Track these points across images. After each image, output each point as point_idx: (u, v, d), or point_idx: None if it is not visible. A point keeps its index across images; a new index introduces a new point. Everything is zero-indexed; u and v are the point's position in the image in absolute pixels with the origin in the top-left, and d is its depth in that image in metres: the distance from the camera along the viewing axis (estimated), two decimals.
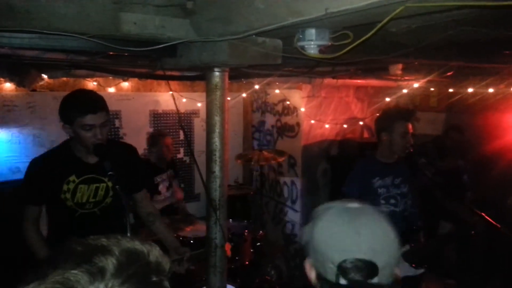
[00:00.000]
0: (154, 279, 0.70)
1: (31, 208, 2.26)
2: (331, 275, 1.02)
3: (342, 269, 1.00)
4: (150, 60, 2.74)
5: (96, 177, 2.31)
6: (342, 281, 1.00)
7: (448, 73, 3.41)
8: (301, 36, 1.56)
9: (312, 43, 1.54)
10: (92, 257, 0.67)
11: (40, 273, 0.66)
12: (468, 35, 1.92)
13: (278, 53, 1.83)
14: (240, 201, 4.66)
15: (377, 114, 4.76)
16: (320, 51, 1.60)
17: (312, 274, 1.12)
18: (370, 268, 0.99)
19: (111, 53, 2.02)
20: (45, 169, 2.23)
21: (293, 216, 4.73)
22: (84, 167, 2.28)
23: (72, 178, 2.26)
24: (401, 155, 2.96)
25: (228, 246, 2.14)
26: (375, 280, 0.98)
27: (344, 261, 1.00)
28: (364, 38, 1.56)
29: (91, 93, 2.31)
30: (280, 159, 4.29)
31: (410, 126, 2.88)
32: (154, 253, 0.74)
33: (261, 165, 4.34)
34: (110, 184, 2.33)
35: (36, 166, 2.26)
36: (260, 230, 4.15)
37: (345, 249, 1.02)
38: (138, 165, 2.59)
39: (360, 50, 2.29)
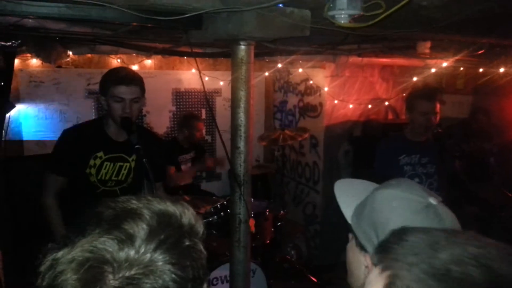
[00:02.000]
0: (188, 243, 0.67)
1: (54, 178, 2.29)
2: None
3: None
4: (175, 34, 2.72)
5: (122, 156, 2.36)
6: None
7: (479, 52, 3.28)
8: (331, 5, 1.52)
9: (343, 12, 1.50)
10: (122, 222, 0.65)
11: (69, 240, 0.65)
12: (503, 8, 1.83)
13: (306, 24, 1.79)
14: (261, 181, 4.66)
15: (403, 94, 4.68)
16: (351, 22, 1.55)
17: (371, 269, 0.92)
18: None
19: (135, 24, 2.00)
20: (75, 141, 2.28)
21: (314, 197, 4.71)
22: (113, 145, 2.33)
23: (100, 154, 2.30)
24: (427, 135, 2.91)
25: (252, 222, 2.14)
26: None
27: None
28: (396, 7, 1.50)
29: (130, 70, 2.37)
30: (304, 136, 4.24)
31: (432, 105, 2.82)
32: (188, 215, 0.71)
33: (284, 145, 4.32)
34: (133, 165, 2.38)
35: (67, 137, 2.31)
36: (281, 209, 4.14)
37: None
38: (162, 157, 2.61)
39: (389, 25, 2.23)
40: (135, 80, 2.22)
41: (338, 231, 3.94)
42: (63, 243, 0.65)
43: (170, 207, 0.70)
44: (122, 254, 0.61)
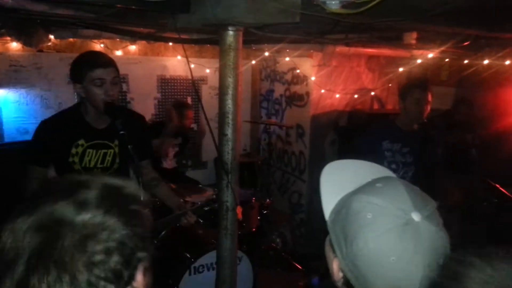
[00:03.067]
0: (133, 207, 0.76)
1: (36, 169, 2.25)
2: None
3: None
4: (161, 19, 2.66)
5: (104, 143, 2.31)
6: None
7: (464, 43, 3.31)
8: None
9: None
10: (77, 190, 0.73)
11: (28, 208, 0.70)
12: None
13: (297, 10, 1.76)
14: (247, 169, 4.65)
15: (390, 85, 4.71)
16: (342, 8, 1.53)
17: (338, 276, 0.95)
18: None
19: (120, 6, 1.94)
20: (54, 130, 2.22)
21: (300, 186, 4.73)
22: (93, 132, 2.28)
23: (81, 142, 2.25)
24: (418, 123, 3.00)
25: (239, 209, 2.13)
26: None
27: None
28: None
29: (100, 52, 2.29)
30: (288, 125, 4.26)
31: (425, 94, 2.90)
32: (130, 186, 0.80)
33: (269, 132, 4.32)
34: (117, 150, 2.34)
35: (45, 127, 2.24)
36: (267, 198, 4.15)
37: (403, 284, 0.86)
38: (146, 133, 2.59)
39: (378, 14, 2.22)
40: (111, 60, 2.16)
41: (323, 220, 3.96)
42: (23, 210, 0.70)
43: (116, 181, 0.79)
44: (78, 218, 0.68)
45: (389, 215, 0.86)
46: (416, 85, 2.93)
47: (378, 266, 0.84)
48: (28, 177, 2.23)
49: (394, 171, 2.96)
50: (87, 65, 2.07)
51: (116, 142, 2.33)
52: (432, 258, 0.84)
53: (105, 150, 2.32)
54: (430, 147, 3.10)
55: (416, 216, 0.85)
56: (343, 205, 0.94)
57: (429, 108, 2.94)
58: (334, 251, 0.93)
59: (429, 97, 2.93)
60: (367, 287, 0.87)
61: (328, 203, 1.01)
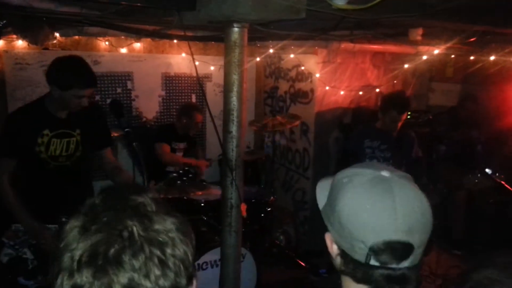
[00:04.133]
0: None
1: (6, 161, 2.37)
2: (359, 255, 0.91)
3: (374, 251, 0.88)
4: (166, 16, 2.66)
5: (67, 132, 2.46)
6: (372, 262, 0.90)
7: (471, 39, 3.29)
8: None
9: None
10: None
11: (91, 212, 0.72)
12: None
13: (302, 6, 1.76)
14: (251, 167, 4.65)
15: (395, 81, 4.70)
16: (348, 3, 1.53)
17: (333, 250, 1.00)
18: (406, 249, 0.89)
19: (125, 3, 1.94)
20: (21, 123, 2.35)
21: (304, 183, 4.72)
22: (56, 122, 2.41)
23: (46, 132, 2.38)
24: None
25: (243, 207, 2.14)
26: (408, 261, 0.89)
27: (378, 242, 0.88)
28: None
29: (86, 64, 2.37)
30: (295, 124, 4.25)
31: (400, 116, 3.36)
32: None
33: (275, 132, 4.32)
34: (79, 138, 2.50)
35: (13, 119, 2.40)
36: (271, 195, 4.15)
37: (380, 229, 0.89)
38: (103, 121, 2.73)
39: (384, 10, 2.21)
40: (95, 79, 2.34)
41: None
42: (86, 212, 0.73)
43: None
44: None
45: (362, 174, 0.97)
46: (395, 107, 3.36)
47: (358, 216, 0.92)
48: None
49: None
50: (76, 83, 2.22)
51: (78, 131, 2.49)
52: (407, 211, 0.90)
53: (68, 139, 2.46)
54: (404, 145, 3.55)
55: (386, 173, 0.96)
56: (330, 186, 1.04)
57: (401, 123, 3.41)
58: (327, 229, 1.01)
59: (405, 116, 3.41)
60: (353, 245, 0.92)
61: (321, 201, 1.08)
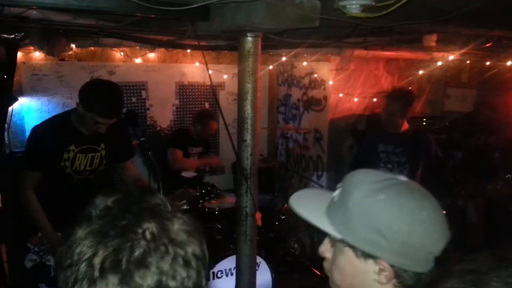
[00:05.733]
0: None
1: (32, 174, 2.40)
2: (423, 266, 0.88)
3: (439, 257, 0.88)
4: (180, 27, 2.69)
5: (92, 147, 2.48)
6: (430, 268, 0.89)
7: (487, 45, 3.25)
8: None
9: (354, 2, 1.47)
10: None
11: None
12: None
13: (316, 15, 1.76)
14: (264, 174, 4.65)
15: (410, 88, 4.65)
16: (362, 12, 1.52)
17: (385, 275, 0.90)
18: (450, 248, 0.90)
19: (141, 14, 1.97)
20: (47, 137, 2.37)
21: None
22: (82, 138, 2.44)
23: (72, 147, 2.41)
24: (401, 128, 3.34)
25: (258, 215, 2.13)
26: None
27: (442, 248, 0.88)
28: None
29: (117, 95, 2.38)
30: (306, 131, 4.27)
31: (395, 107, 3.26)
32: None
33: (287, 137, 4.31)
34: (104, 153, 2.51)
35: (38, 134, 2.40)
36: (285, 203, 4.13)
37: (440, 233, 0.89)
38: (127, 135, 2.74)
39: (398, 17, 2.20)
40: (120, 111, 2.37)
41: None
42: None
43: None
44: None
45: (375, 175, 0.94)
46: (387, 98, 3.31)
47: (421, 228, 0.86)
48: (24, 184, 2.38)
49: (390, 170, 3.27)
50: (96, 109, 2.24)
51: (103, 145, 2.51)
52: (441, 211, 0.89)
53: (93, 154, 2.49)
54: (421, 149, 3.39)
55: (402, 178, 0.93)
56: (345, 210, 0.93)
57: (403, 121, 3.31)
58: (368, 256, 0.90)
59: (404, 110, 3.26)
60: (419, 259, 0.88)
61: (323, 223, 0.98)
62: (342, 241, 0.93)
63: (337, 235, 0.94)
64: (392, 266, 0.89)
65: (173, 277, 0.65)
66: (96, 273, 0.62)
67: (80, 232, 0.67)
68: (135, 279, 0.62)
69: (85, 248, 0.65)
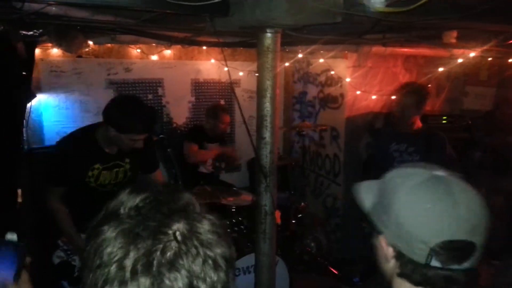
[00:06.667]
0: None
1: (56, 190, 2.41)
2: (419, 256, 0.89)
3: (436, 251, 0.86)
4: (197, 23, 2.67)
5: (117, 163, 2.49)
6: (433, 263, 0.88)
7: (510, 41, 3.16)
8: None
9: None
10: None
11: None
12: None
13: (338, 9, 1.72)
14: (280, 172, 4.61)
15: (429, 85, 4.57)
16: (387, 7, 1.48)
17: (388, 252, 0.96)
18: (468, 249, 0.86)
19: (159, 10, 1.95)
20: (71, 156, 2.36)
21: (335, 189, 4.65)
22: (108, 157, 2.44)
23: (97, 166, 2.41)
24: (413, 126, 3.30)
25: (278, 213, 2.11)
26: (469, 262, 0.87)
27: (440, 242, 0.86)
28: None
29: (145, 107, 2.38)
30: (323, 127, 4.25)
31: (407, 102, 3.22)
32: None
33: (303, 135, 4.28)
34: (128, 166, 2.52)
35: (63, 151, 2.39)
36: (302, 202, 4.10)
37: (442, 228, 0.87)
38: (153, 149, 2.71)
39: (421, 12, 2.14)
40: (154, 123, 2.34)
41: (359, 224, 3.88)
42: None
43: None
44: None
45: (416, 174, 0.95)
46: (406, 93, 3.23)
47: (418, 216, 0.89)
48: (50, 195, 2.39)
49: None
50: (135, 129, 2.22)
51: (127, 160, 2.50)
52: (470, 210, 0.88)
53: (117, 169, 2.49)
54: (434, 148, 3.30)
55: (440, 173, 0.94)
56: (378, 187, 1.02)
57: (415, 117, 3.26)
58: (378, 231, 0.98)
59: (419, 107, 3.23)
60: (412, 246, 0.90)
61: (365, 202, 1.06)
62: (368, 216, 1.02)
63: (365, 207, 1.04)
64: (392, 246, 0.95)
65: (204, 280, 0.63)
66: (127, 275, 0.61)
67: (110, 232, 0.65)
68: (166, 282, 0.61)
69: (116, 249, 0.63)
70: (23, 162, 3.31)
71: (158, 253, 0.62)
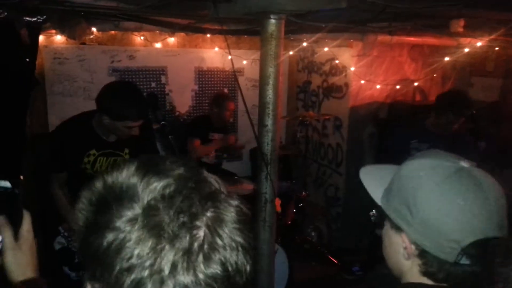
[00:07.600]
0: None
1: (57, 176, 2.43)
2: (448, 254, 0.84)
3: (468, 250, 0.82)
4: (200, 10, 2.65)
5: (114, 152, 2.46)
6: (463, 261, 0.83)
7: None
8: None
9: None
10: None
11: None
12: None
13: None
14: (282, 162, 4.62)
15: (434, 75, 4.52)
16: None
17: (410, 250, 0.91)
18: (504, 247, 0.81)
19: None
20: (67, 141, 2.36)
21: (337, 179, 4.64)
22: (104, 144, 2.42)
23: (93, 152, 2.40)
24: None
25: (278, 201, 2.11)
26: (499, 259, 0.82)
27: (475, 241, 0.81)
28: None
29: (139, 93, 2.32)
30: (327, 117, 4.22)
31: (458, 119, 3.07)
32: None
33: (306, 124, 4.26)
34: (127, 158, 2.48)
35: (60, 138, 2.41)
36: (303, 191, 4.10)
37: (477, 226, 0.82)
38: (153, 141, 2.68)
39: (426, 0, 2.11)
40: (147, 110, 2.32)
41: (360, 214, 3.88)
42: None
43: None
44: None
45: (440, 167, 0.88)
46: (453, 108, 3.05)
47: (450, 213, 0.84)
48: (51, 182, 2.41)
49: None
50: (130, 115, 2.18)
51: (127, 150, 2.48)
52: (500, 205, 0.85)
53: (115, 158, 2.47)
54: (459, 147, 3.05)
55: (465, 164, 0.88)
56: (392, 182, 0.96)
57: (457, 126, 3.12)
58: (398, 228, 0.92)
59: (460, 121, 3.09)
60: (441, 245, 0.85)
61: (376, 192, 1.01)
62: (381, 209, 0.98)
63: (378, 201, 0.99)
64: (415, 244, 0.90)
65: (235, 266, 0.61)
66: (165, 277, 0.56)
67: (133, 229, 0.57)
68: (204, 278, 0.58)
69: (147, 249, 0.56)
70: (26, 148, 3.32)
71: (196, 249, 0.58)
